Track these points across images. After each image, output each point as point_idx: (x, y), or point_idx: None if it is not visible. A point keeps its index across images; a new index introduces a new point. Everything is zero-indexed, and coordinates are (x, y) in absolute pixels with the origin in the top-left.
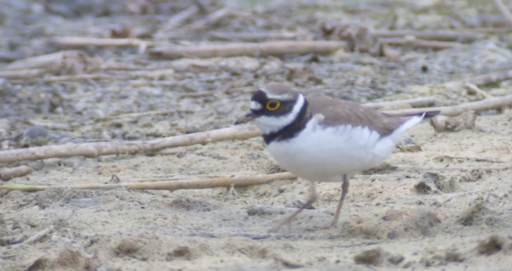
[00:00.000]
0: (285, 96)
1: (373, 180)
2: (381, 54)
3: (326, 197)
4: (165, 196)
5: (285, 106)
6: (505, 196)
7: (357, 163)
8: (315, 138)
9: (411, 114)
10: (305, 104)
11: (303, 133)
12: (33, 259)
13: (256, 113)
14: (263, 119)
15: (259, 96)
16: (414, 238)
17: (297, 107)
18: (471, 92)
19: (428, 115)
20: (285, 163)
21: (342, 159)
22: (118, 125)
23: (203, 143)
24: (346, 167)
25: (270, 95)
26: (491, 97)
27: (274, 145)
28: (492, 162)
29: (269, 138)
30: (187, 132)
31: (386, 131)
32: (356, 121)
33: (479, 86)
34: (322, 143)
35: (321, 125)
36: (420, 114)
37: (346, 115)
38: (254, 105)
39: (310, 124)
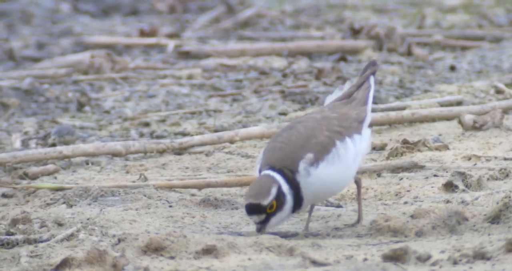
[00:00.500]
0: (272, 192)
1: (401, 179)
2: (409, 53)
3: (354, 196)
4: (193, 195)
5: (279, 198)
6: None
7: (356, 166)
8: (315, 179)
9: (361, 84)
10: (286, 178)
11: (303, 186)
12: (60, 258)
13: (264, 223)
14: (275, 220)
15: (257, 210)
16: (441, 236)
17: (285, 187)
18: (499, 91)
19: (374, 73)
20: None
21: (345, 174)
22: (146, 124)
23: (231, 141)
24: (351, 175)
25: (264, 202)
26: None
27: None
28: None
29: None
30: (215, 131)
31: (360, 123)
32: (337, 138)
33: (507, 85)
34: (322, 178)
35: (313, 166)
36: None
37: (329, 139)
38: (257, 218)
39: (303, 172)
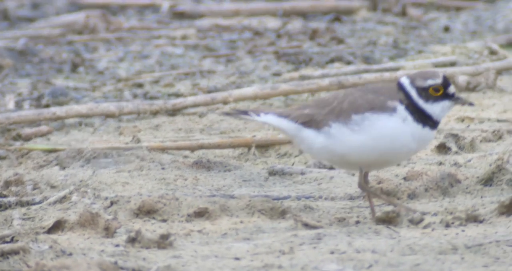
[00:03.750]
0: None
1: None
2: (403, 14)
3: None
4: (185, 157)
5: None
6: None
7: None
8: None
9: None
10: None
11: None
12: (52, 220)
13: None
14: None
15: None
16: (434, 199)
17: None
18: (493, 52)
19: None
20: None
21: None
22: (140, 85)
23: (225, 102)
24: None
25: None
26: None
27: None
28: None
29: None
30: (209, 92)
31: None
32: None
33: (501, 46)
34: None
35: None
36: None
37: None
38: None
39: None
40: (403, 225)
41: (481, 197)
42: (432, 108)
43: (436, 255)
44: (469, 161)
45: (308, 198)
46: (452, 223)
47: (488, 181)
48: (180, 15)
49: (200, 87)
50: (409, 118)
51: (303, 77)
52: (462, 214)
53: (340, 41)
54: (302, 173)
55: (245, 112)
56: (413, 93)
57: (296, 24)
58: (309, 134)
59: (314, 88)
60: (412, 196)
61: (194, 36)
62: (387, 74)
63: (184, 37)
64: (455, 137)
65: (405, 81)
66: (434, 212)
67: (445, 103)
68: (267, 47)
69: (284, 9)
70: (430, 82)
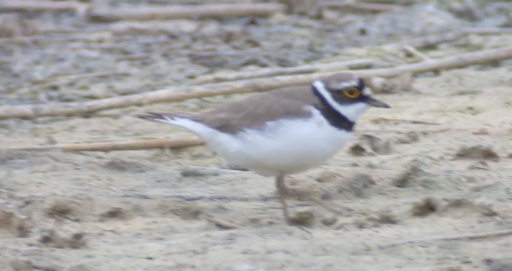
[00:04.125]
0: None
1: None
2: (319, 17)
3: None
4: (100, 158)
5: None
6: (441, 158)
7: None
8: None
9: None
10: None
11: None
12: None
13: None
14: None
15: None
16: (348, 200)
17: None
18: (409, 55)
19: None
20: None
21: None
22: (55, 88)
23: (139, 104)
24: None
25: None
26: (429, 60)
27: None
28: (429, 124)
29: None
30: (124, 94)
31: None
32: None
33: (417, 48)
34: None
35: None
36: None
37: None
38: None
39: None
40: (316, 225)
41: (395, 198)
42: (347, 111)
43: (349, 256)
44: (384, 162)
45: (221, 199)
46: (366, 224)
47: (402, 182)
48: (96, 19)
49: (115, 89)
50: (325, 122)
51: (217, 80)
52: (376, 215)
53: (255, 44)
54: (216, 174)
55: (160, 116)
56: (328, 96)
57: (211, 28)
58: (224, 139)
59: (229, 90)
60: (326, 197)
61: (110, 39)
62: (302, 77)
63: (100, 41)
64: (370, 138)
65: (319, 85)
66: (347, 213)
67: (360, 105)
68: (182, 50)
69: (199, 12)
70: (345, 84)
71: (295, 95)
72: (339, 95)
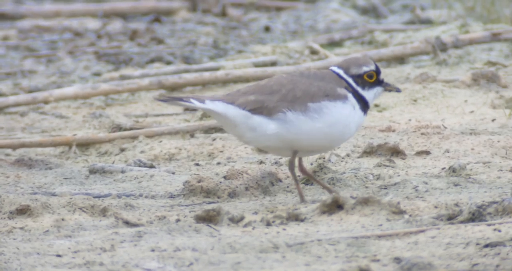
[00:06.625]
0: None
1: (214, 139)
2: (223, 14)
3: (167, 156)
4: (7, 155)
5: None
6: (348, 155)
7: None
8: None
9: None
10: None
11: None
12: None
13: None
14: None
15: None
16: (255, 198)
17: None
18: (314, 52)
19: None
20: None
21: None
22: None
23: (46, 102)
24: None
25: None
26: (334, 57)
27: None
28: None
29: None
30: (30, 91)
31: None
32: None
33: (322, 45)
34: None
35: None
36: None
37: None
38: None
39: None
40: (224, 223)
41: None
42: (368, 95)
43: (257, 254)
44: None
45: (129, 196)
46: (273, 221)
47: (309, 179)
48: (1, 16)
49: (21, 87)
50: (357, 105)
51: (123, 77)
52: (283, 212)
53: (160, 41)
54: (123, 171)
55: (181, 99)
56: (351, 81)
57: (116, 25)
58: (259, 121)
59: (135, 88)
60: (232, 194)
61: (15, 37)
62: (207, 74)
63: (5, 38)
64: None
65: (340, 71)
66: (254, 211)
67: (378, 89)
68: (87, 48)
69: (104, 10)
70: (365, 69)
71: (324, 78)
72: (360, 79)
